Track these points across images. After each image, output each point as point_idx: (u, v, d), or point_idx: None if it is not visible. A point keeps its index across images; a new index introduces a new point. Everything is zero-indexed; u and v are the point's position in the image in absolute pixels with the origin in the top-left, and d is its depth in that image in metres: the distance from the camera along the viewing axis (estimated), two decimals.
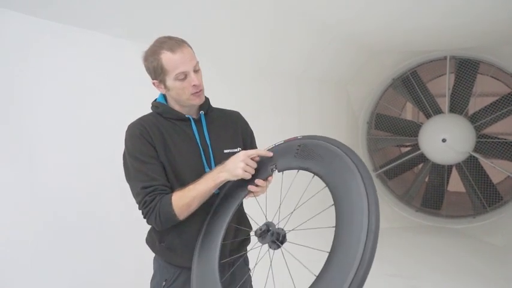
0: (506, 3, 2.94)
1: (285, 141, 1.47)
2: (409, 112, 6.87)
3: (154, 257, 1.63)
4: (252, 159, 1.42)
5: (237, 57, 2.95)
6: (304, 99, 4.19)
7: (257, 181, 1.43)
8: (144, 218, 1.44)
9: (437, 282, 3.52)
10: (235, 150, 1.60)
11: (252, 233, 1.66)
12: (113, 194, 2.12)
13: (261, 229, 1.35)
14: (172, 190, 1.45)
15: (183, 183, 1.47)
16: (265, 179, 1.45)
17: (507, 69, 4.62)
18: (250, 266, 1.72)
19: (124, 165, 1.48)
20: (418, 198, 5.37)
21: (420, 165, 5.50)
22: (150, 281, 1.64)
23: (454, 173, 5.17)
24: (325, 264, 1.12)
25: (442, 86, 5.16)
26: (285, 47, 3.48)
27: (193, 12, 2.39)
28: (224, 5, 2.50)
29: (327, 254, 1.14)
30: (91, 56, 2.08)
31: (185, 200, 1.39)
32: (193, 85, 1.44)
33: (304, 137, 1.44)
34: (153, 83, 1.50)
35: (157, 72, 1.45)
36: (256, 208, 1.60)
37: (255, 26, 2.92)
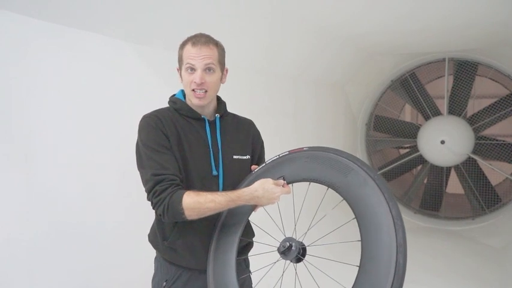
0: (504, 5, 2.94)
1: (290, 152, 1.47)
2: (408, 114, 6.87)
3: (155, 257, 1.63)
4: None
5: (234, 58, 2.95)
6: (302, 100, 4.19)
7: None
8: (153, 207, 1.42)
9: (435, 284, 3.51)
10: (244, 157, 1.61)
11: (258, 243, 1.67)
12: (112, 194, 2.11)
13: (284, 246, 1.35)
14: (182, 181, 1.44)
15: (189, 181, 1.47)
16: None
17: (505, 71, 4.62)
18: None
19: (136, 153, 1.49)
20: (416, 200, 5.37)
21: (419, 167, 5.51)
22: (151, 280, 1.64)
23: (453, 175, 5.16)
24: (357, 278, 1.15)
25: (441, 88, 5.16)
26: (283, 49, 3.47)
27: (192, 13, 2.39)
28: (222, 6, 2.50)
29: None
30: (89, 57, 2.08)
31: (202, 207, 1.36)
32: (194, 82, 1.46)
33: (311, 148, 1.43)
34: (177, 69, 1.57)
35: (179, 60, 1.53)
36: (266, 217, 1.60)
37: (253, 28, 2.92)
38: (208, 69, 1.47)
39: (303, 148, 1.45)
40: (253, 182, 1.46)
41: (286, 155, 1.48)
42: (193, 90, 1.48)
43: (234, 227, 1.50)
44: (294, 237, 1.39)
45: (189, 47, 1.47)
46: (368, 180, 1.23)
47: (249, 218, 1.61)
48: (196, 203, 1.35)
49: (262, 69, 3.45)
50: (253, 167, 1.59)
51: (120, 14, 2.09)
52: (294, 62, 3.82)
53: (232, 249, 1.47)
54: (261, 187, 1.37)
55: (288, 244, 1.34)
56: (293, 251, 1.33)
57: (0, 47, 1.71)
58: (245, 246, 1.65)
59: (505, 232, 4.42)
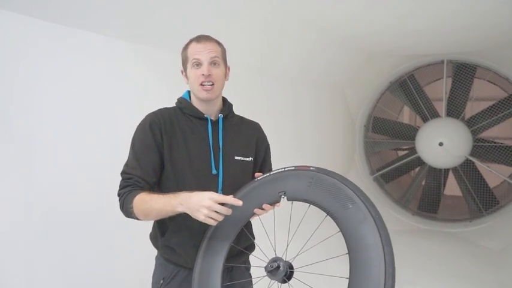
0: (503, 7, 2.94)
1: (296, 168, 1.43)
2: (406, 115, 6.88)
3: (156, 255, 1.64)
4: (221, 203, 1.30)
5: (233, 58, 2.96)
6: (301, 101, 4.19)
7: (264, 206, 1.44)
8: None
9: (433, 286, 3.51)
10: (247, 159, 1.61)
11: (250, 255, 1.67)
12: (112, 194, 2.10)
13: (271, 266, 1.34)
14: (149, 184, 1.46)
15: (182, 181, 1.48)
16: (272, 204, 1.44)
17: (504, 73, 4.63)
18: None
19: None
20: (414, 202, 5.38)
21: (417, 169, 5.51)
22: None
23: (451, 177, 5.17)
24: None
25: (439, 90, 5.17)
26: (282, 49, 3.47)
27: (191, 13, 2.39)
28: (222, 6, 2.50)
29: None
30: (89, 57, 2.08)
31: (144, 206, 1.38)
32: (202, 74, 1.48)
33: (318, 170, 1.39)
34: (181, 72, 1.59)
35: (183, 61, 1.55)
36: (260, 231, 1.59)
37: (252, 28, 2.92)
38: (213, 62, 1.50)
39: (309, 167, 1.41)
40: (254, 189, 1.47)
41: (291, 170, 1.44)
42: (201, 84, 1.49)
43: (226, 233, 1.48)
44: (284, 257, 1.38)
45: (193, 45, 1.51)
46: (368, 218, 1.20)
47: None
48: (143, 201, 1.37)
49: (261, 69, 3.45)
50: (257, 174, 1.57)
51: (119, 14, 2.09)
52: (293, 63, 3.82)
53: (220, 255, 1.45)
54: (198, 197, 1.29)
55: (276, 264, 1.33)
56: (280, 272, 1.32)
57: (0, 46, 1.71)
58: (245, 248, 1.63)
59: (503, 234, 4.43)
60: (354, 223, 1.21)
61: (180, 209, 1.32)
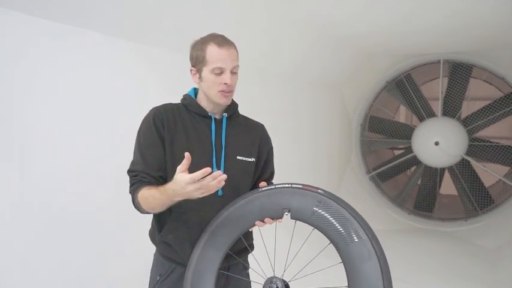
0: (500, 8, 2.96)
1: (303, 187, 1.40)
2: (403, 115, 6.92)
3: (154, 251, 1.64)
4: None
5: None
6: (298, 101, 4.20)
7: (266, 220, 1.43)
8: None
9: (429, 284, 3.54)
10: (249, 159, 1.59)
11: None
12: (112, 193, 2.11)
13: (270, 287, 1.35)
14: (155, 178, 1.45)
15: None
16: (274, 219, 1.44)
17: (500, 73, 4.67)
18: None
19: None
20: (410, 201, 5.40)
21: (413, 168, 5.54)
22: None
23: (447, 176, 5.20)
24: None
25: (436, 90, 5.19)
26: (279, 49, 3.48)
27: (190, 13, 2.38)
28: (220, 5, 2.50)
29: None
30: (89, 56, 2.07)
31: (146, 202, 1.39)
32: (225, 83, 1.46)
33: (326, 194, 1.36)
34: (191, 70, 1.54)
35: (198, 61, 1.48)
36: (260, 247, 1.60)
37: (250, 27, 2.92)
38: (234, 71, 1.49)
39: (317, 189, 1.38)
40: (257, 199, 1.46)
41: (298, 188, 1.41)
42: (220, 91, 1.47)
43: (223, 240, 1.47)
44: (283, 278, 1.38)
45: (215, 49, 1.45)
46: (372, 256, 1.19)
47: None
48: (146, 198, 1.39)
49: (260, 69, 3.45)
50: (261, 184, 1.55)
51: (120, 13, 2.09)
52: (293, 62, 3.83)
53: (215, 263, 1.44)
54: (179, 185, 1.25)
55: (274, 286, 1.34)
56: None
57: (2, 45, 1.70)
58: (243, 249, 1.61)
59: (498, 233, 4.47)
60: (357, 259, 1.21)
61: (178, 199, 1.31)
